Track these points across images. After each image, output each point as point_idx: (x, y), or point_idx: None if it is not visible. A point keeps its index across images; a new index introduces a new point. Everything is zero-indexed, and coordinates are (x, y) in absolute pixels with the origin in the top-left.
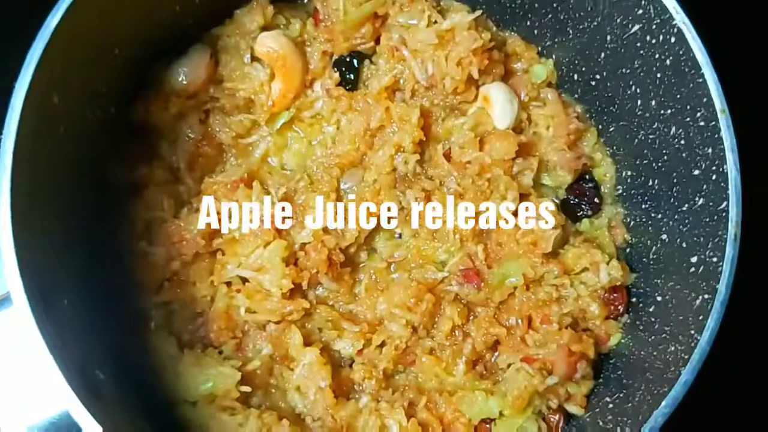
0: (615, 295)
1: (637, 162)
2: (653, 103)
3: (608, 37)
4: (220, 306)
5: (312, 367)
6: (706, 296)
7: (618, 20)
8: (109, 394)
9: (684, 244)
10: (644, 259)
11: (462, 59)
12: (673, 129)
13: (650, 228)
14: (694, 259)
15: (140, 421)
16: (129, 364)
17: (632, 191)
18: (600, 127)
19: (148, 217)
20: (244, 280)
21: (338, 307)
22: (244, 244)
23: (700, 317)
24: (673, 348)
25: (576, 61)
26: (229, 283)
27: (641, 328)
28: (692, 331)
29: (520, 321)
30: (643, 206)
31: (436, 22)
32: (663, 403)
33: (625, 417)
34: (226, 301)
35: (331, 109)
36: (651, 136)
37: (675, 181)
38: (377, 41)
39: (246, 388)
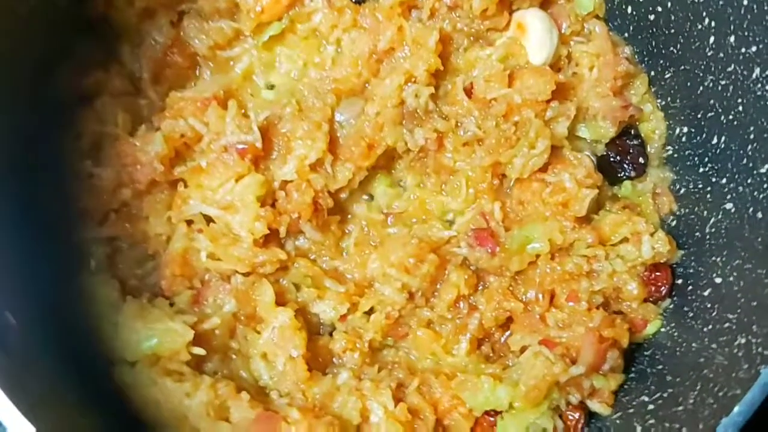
0: (658, 274)
1: (699, 115)
2: (732, 39)
3: None
4: (177, 248)
5: (283, 332)
6: None
7: None
8: (18, 345)
9: (759, 215)
10: (696, 234)
11: None
12: (757, 71)
13: (709, 196)
14: None
15: (59, 383)
16: (55, 310)
17: (687, 152)
18: (653, 73)
19: (98, 132)
20: (209, 220)
21: (321, 262)
22: (212, 175)
23: None
24: (743, 341)
25: None
26: (190, 222)
27: (690, 315)
28: None
29: (540, 296)
30: (701, 170)
31: None
32: (736, 410)
33: (676, 423)
34: (185, 243)
35: (332, 23)
36: (723, 82)
37: (753, 137)
38: None
39: (199, 351)
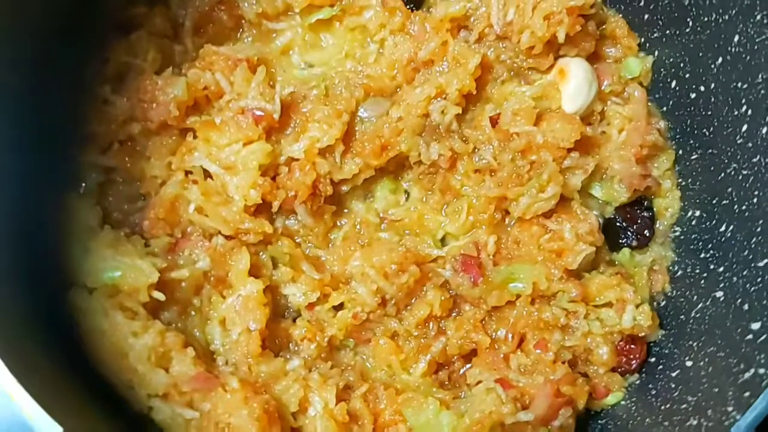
0: (632, 346)
1: (714, 201)
2: (764, 130)
3: (736, 38)
4: (169, 193)
5: (248, 302)
6: (761, 371)
7: (757, 17)
8: None
9: (746, 306)
10: (681, 317)
11: (552, 14)
12: None
13: (703, 282)
14: (755, 326)
15: (13, 296)
16: (29, 219)
17: (693, 236)
18: (680, 152)
19: (125, 63)
20: (207, 176)
21: (305, 247)
22: (223, 133)
23: (746, 393)
24: (695, 422)
25: (681, 64)
26: (188, 173)
27: (653, 392)
28: (730, 408)
29: (510, 336)
30: (702, 255)
31: None
32: None
33: None
34: (177, 191)
35: (381, 22)
36: (744, 172)
37: (759, 230)
38: None
39: (159, 295)
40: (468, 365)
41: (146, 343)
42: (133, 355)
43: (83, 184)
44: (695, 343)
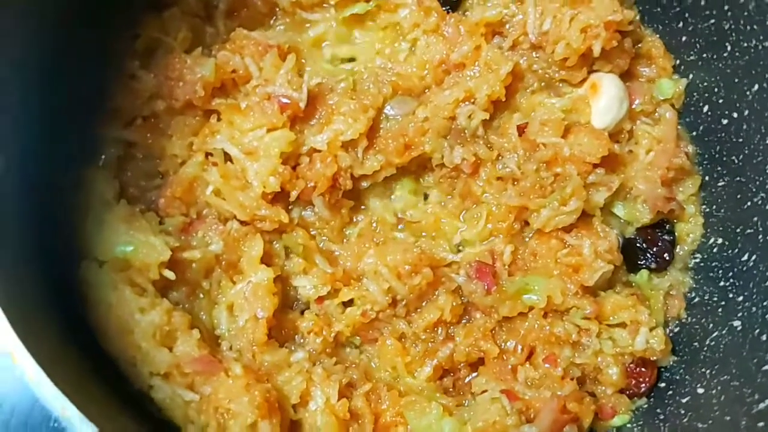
0: (643, 369)
1: (738, 230)
2: None
3: None
4: (188, 173)
5: (257, 289)
6: None
7: None
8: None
9: (764, 337)
10: (695, 344)
11: (589, 27)
12: None
13: (720, 311)
14: None
15: (24, 266)
16: (44, 188)
17: (714, 263)
18: (707, 178)
19: (156, 39)
20: (228, 159)
21: (320, 240)
22: (247, 118)
23: (760, 424)
24: None
25: (715, 89)
26: (208, 155)
27: (661, 417)
28: None
29: (520, 348)
30: (722, 283)
31: None
32: None
33: None
34: (197, 171)
35: (415, 22)
36: None
37: None
38: None
39: (169, 274)
40: (474, 374)
41: (152, 321)
42: (139, 332)
43: (102, 157)
44: (708, 371)
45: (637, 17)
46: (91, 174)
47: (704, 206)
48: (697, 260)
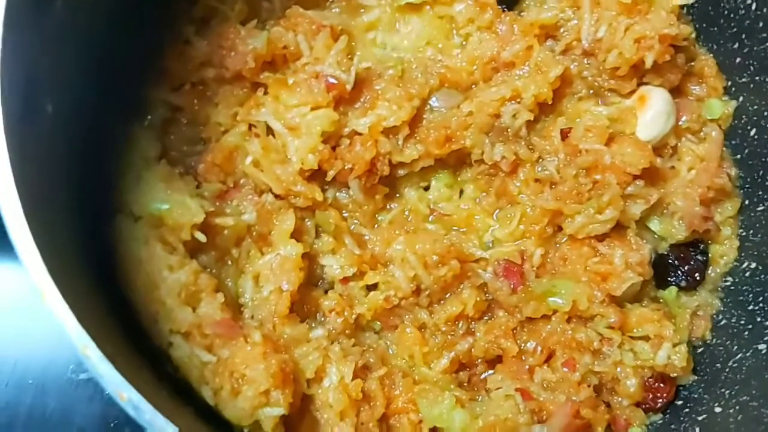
0: (662, 385)
1: None
2: None
3: None
4: (230, 141)
5: (285, 262)
6: None
7: None
8: (42, 136)
9: None
10: (717, 365)
11: (644, 38)
12: None
13: (746, 333)
14: None
15: (63, 217)
16: (89, 142)
17: (744, 287)
18: (747, 202)
19: (213, 8)
20: (270, 132)
21: (351, 223)
22: (293, 94)
23: None
24: None
25: (765, 113)
26: (252, 127)
27: None
28: None
29: (539, 349)
30: (750, 307)
31: None
32: None
33: None
34: (238, 141)
35: (470, 17)
36: None
37: None
38: None
39: (201, 236)
40: (491, 371)
41: (179, 279)
42: (165, 288)
43: (149, 117)
44: (728, 391)
45: (693, 35)
46: (136, 132)
47: (741, 230)
48: (728, 283)
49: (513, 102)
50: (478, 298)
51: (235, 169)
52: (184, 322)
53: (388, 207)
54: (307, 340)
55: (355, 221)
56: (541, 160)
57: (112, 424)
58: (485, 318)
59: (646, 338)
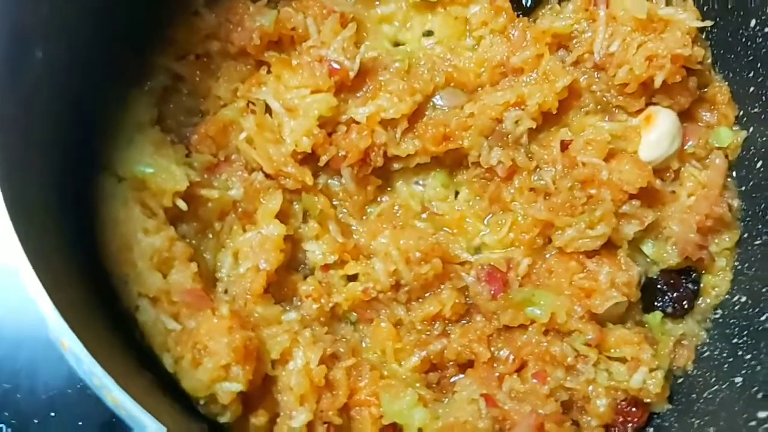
0: (634, 409)
1: (765, 290)
2: None
3: None
4: (226, 115)
5: (266, 242)
6: None
7: None
8: (31, 84)
9: (760, 395)
10: (693, 395)
11: (655, 56)
12: None
13: (726, 366)
14: (763, 414)
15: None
16: (85, 90)
17: (732, 320)
18: (745, 235)
19: None
20: (268, 111)
21: (339, 211)
22: (295, 75)
23: None
24: None
25: None
26: (251, 104)
27: None
28: None
29: (512, 358)
30: (735, 340)
31: (656, 2)
32: None
33: None
34: (234, 116)
35: (483, 19)
36: None
37: None
38: None
39: (182, 205)
40: (461, 375)
41: (153, 243)
42: (138, 250)
43: (149, 83)
44: (697, 422)
45: (709, 60)
46: (134, 96)
47: (736, 263)
48: (717, 316)
49: (517, 108)
50: (457, 300)
51: (228, 144)
52: (153, 287)
53: (378, 200)
54: (279, 321)
55: (344, 210)
56: (538, 169)
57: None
58: (462, 322)
59: (623, 360)
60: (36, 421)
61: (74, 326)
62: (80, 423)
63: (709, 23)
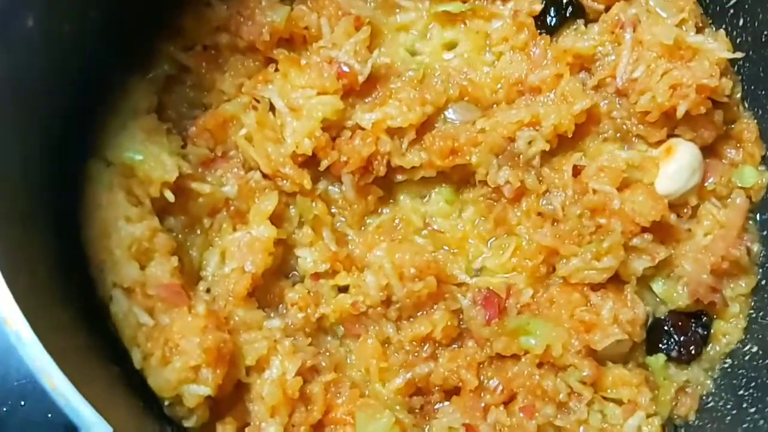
0: None
1: None
2: None
3: None
4: (226, 110)
5: (254, 243)
6: None
7: None
8: (22, 54)
9: None
10: None
11: (680, 85)
12: None
13: (729, 418)
14: None
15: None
16: (80, 69)
17: (741, 371)
18: (763, 282)
19: None
20: (272, 109)
21: (336, 220)
22: (303, 75)
23: None
24: None
25: None
26: (256, 101)
27: None
28: None
29: (500, 389)
30: (741, 392)
31: (685, 29)
32: None
33: None
34: (236, 111)
35: (504, 35)
36: None
37: None
38: (608, 8)
39: (169, 195)
40: (446, 402)
41: (133, 232)
42: (116, 238)
43: (153, 71)
44: None
45: (739, 95)
46: (135, 82)
47: (751, 311)
48: (726, 365)
49: (531, 128)
50: (449, 323)
51: (227, 139)
52: (128, 277)
53: (379, 211)
54: (259, 327)
55: (342, 219)
56: (546, 193)
57: None
58: (453, 346)
59: (619, 402)
60: (5, 409)
61: (30, 315)
62: (49, 415)
63: (740, 55)
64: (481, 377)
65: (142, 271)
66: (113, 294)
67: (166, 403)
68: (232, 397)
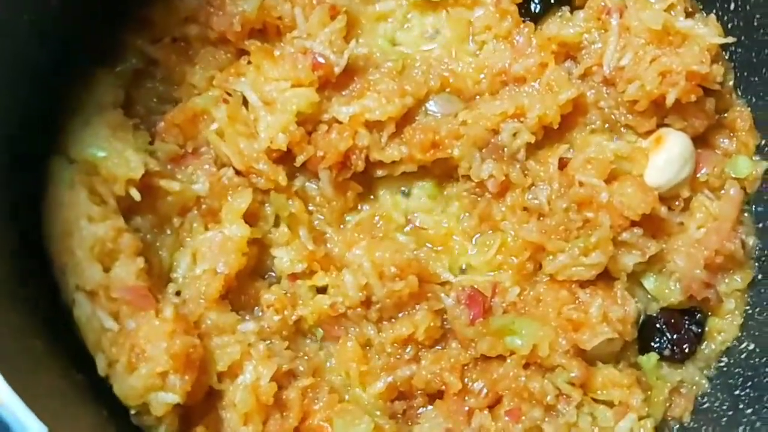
0: None
1: None
2: None
3: None
4: (197, 104)
5: (227, 243)
6: None
7: None
8: None
9: None
10: None
11: (669, 72)
12: None
13: (725, 420)
14: None
15: None
16: (39, 63)
17: (737, 369)
18: (759, 276)
19: None
20: (245, 103)
21: (314, 218)
22: (276, 66)
23: None
24: None
25: None
26: (227, 94)
27: None
28: None
29: (485, 392)
30: (737, 392)
31: (674, 14)
32: None
33: None
34: (206, 105)
35: (487, 24)
36: None
37: None
38: None
39: (135, 194)
40: (429, 407)
41: (96, 233)
42: (78, 238)
43: (121, 65)
44: None
45: (731, 82)
46: (100, 76)
47: (747, 308)
48: (722, 365)
49: (515, 120)
50: (432, 323)
51: (197, 135)
52: (91, 279)
53: (359, 208)
54: (233, 331)
55: (321, 217)
56: (532, 187)
57: None
58: (437, 347)
59: (609, 404)
60: None
61: None
62: None
63: (731, 39)
64: (466, 380)
65: (106, 274)
66: (75, 297)
67: (133, 411)
68: (203, 404)
